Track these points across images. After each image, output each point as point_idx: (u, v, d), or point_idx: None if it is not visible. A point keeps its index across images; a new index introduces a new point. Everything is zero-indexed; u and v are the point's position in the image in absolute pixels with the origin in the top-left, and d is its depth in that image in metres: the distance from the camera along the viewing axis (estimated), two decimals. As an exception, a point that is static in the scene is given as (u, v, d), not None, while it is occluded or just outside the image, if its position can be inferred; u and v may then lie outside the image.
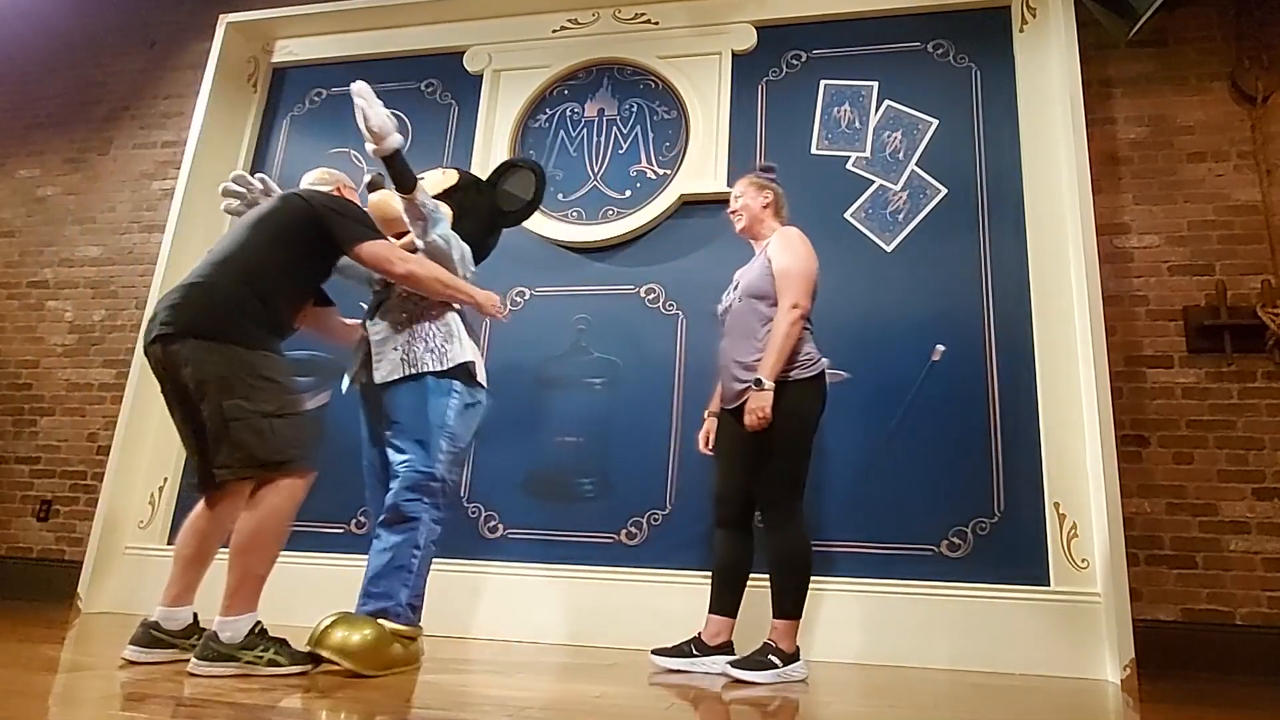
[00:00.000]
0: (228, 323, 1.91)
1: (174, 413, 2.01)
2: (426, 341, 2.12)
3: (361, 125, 2.08)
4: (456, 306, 2.24)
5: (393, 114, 2.18)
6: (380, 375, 2.12)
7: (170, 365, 1.92)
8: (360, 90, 2.09)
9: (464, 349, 2.16)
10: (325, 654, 1.86)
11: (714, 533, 2.38)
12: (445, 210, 2.24)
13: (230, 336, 1.90)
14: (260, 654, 1.81)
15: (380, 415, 2.16)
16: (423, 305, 2.20)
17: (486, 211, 2.41)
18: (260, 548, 1.86)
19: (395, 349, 2.13)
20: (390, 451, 2.10)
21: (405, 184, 2.11)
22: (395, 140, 2.10)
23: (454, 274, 2.18)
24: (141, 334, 1.99)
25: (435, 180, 2.36)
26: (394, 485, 2.06)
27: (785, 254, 2.32)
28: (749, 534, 2.34)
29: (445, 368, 2.11)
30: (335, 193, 2.23)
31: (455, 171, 2.43)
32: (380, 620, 1.94)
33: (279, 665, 1.81)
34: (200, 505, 2.03)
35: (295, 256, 2.06)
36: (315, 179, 2.33)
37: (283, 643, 1.86)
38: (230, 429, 1.84)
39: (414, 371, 2.10)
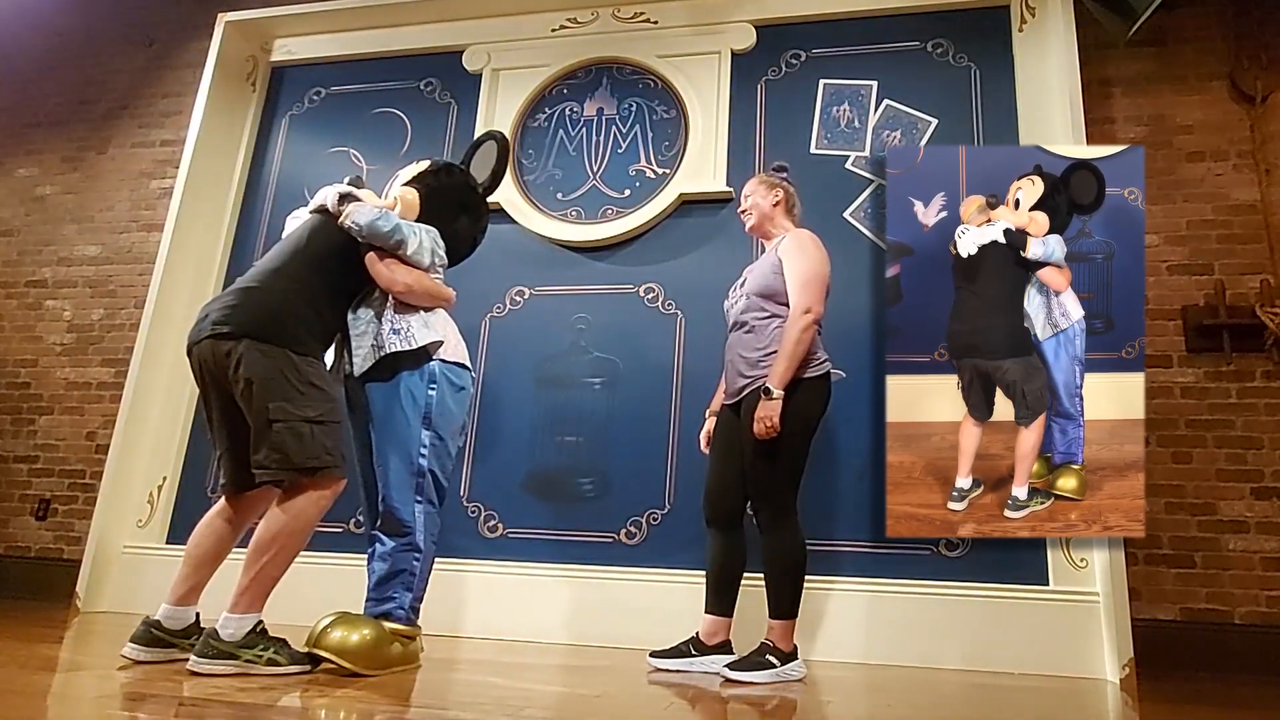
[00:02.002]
0: (281, 327, 1.95)
1: (211, 412, 2.04)
2: (392, 324, 2.09)
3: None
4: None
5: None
6: (357, 367, 2.08)
7: (218, 364, 1.94)
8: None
9: (432, 330, 2.12)
10: (324, 654, 1.86)
11: (705, 533, 2.38)
12: (372, 199, 2.22)
13: (283, 340, 1.93)
14: (260, 653, 1.81)
15: (363, 412, 2.14)
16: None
17: (457, 190, 2.35)
18: (280, 549, 1.87)
19: (369, 338, 2.10)
20: (375, 450, 2.09)
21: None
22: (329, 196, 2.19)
23: (413, 255, 2.11)
24: (188, 333, 2.02)
25: (409, 169, 2.36)
26: (382, 489, 2.05)
27: (798, 257, 2.30)
28: (740, 533, 2.34)
29: (412, 347, 2.06)
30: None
31: (429, 160, 2.40)
32: (380, 620, 1.95)
33: (278, 665, 1.81)
34: (219, 506, 2.05)
35: (344, 269, 2.10)
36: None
37: (282, 642, 1.86)
38: (272, 430, 1.87)
39: (383, 355, 2.06)
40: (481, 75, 3.63)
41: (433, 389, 2.09)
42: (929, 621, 2.62)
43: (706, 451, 2.50)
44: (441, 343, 2.13)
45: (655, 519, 2.94)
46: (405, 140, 3.66)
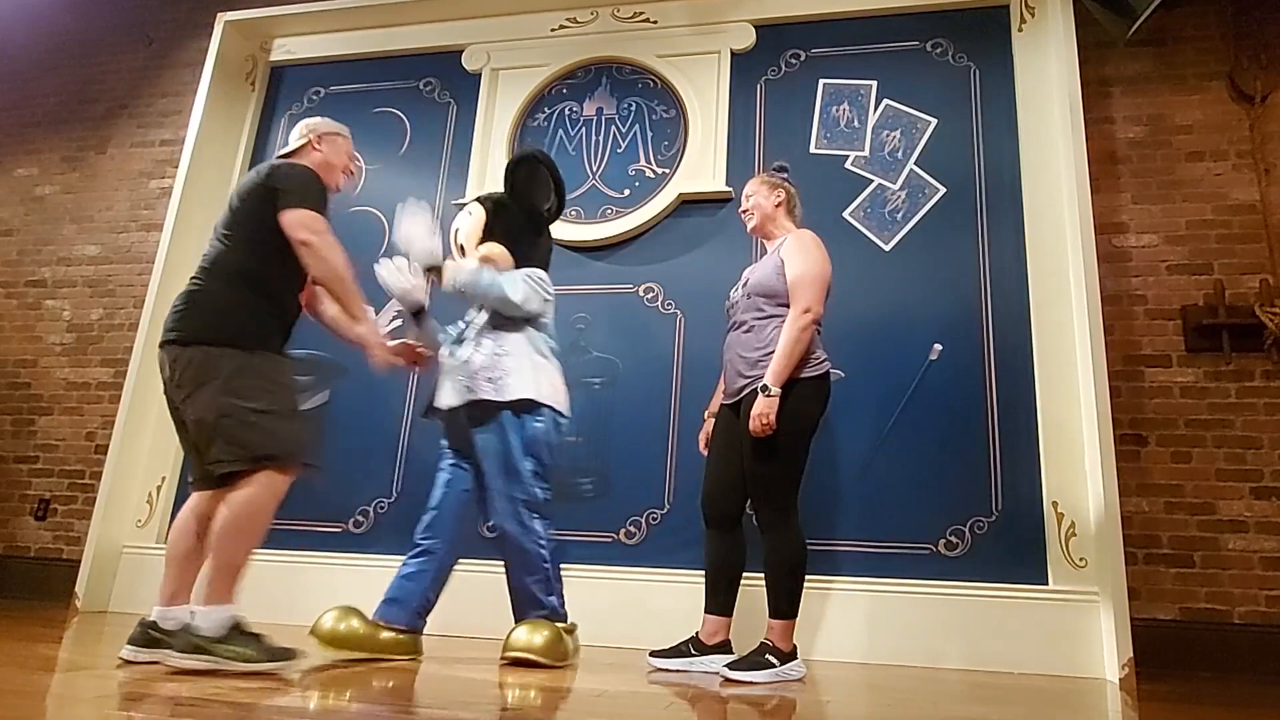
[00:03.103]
0: (225, 326, 1.95)
1: (174, 413, 2.05)
2: (489, 371, 2.24)
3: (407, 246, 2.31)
4: (540, 340, 2.36)
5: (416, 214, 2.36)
6: (443, 400, 2.28)
7: (170, 370, 1.97)
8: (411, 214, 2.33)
9: (524, 383, 2.24)
10: (516, 655, 2.09)
11: (704, 533, 2.38)
12: (472, 263, 2.34)
13: (230, 340, 1.94)
14: (236, 649, 1.80)
15: (461, 438, 2.32)
16: (498, 335, 2.29)
17: (524, 218, 2.45)
18: (236, 536, 1.87)
19: (461, 377, 2.27)
20: (486, 475, 2.25)
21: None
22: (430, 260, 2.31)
23: (524, 306, 2.27)
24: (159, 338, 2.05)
25: (468, 226, 2.41)
26: (498, 508, 2.22)
27: (799, 258, 2.31)
28: (740, 533, 2.35)
29: (502, 399, 2.22)
30: (309, 145, 2.22)
31: (478, 205, 2.45)
32: (547, 620, 2.19)
33: (253, 661, 1.80)
34: (190, 503, 2.06)
35: (273, 238, 2.01)
36: (294, 135, 2.29)
37: (258, 638, 1.84)
38: (221, 425, 1.88)
39: (471, 399, 2.23)
40: (481, 75, 3.63)
41: (540, 423, 2.25)
42: (928, 621, 2.62)
43: (705, 452, 2.50)
44: (533, 399, 2.24)
45: (655, 519, 2.94)
46: (404, 140, 3.66)
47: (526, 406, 2.24)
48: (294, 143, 2.26)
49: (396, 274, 2.27)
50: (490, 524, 2.28)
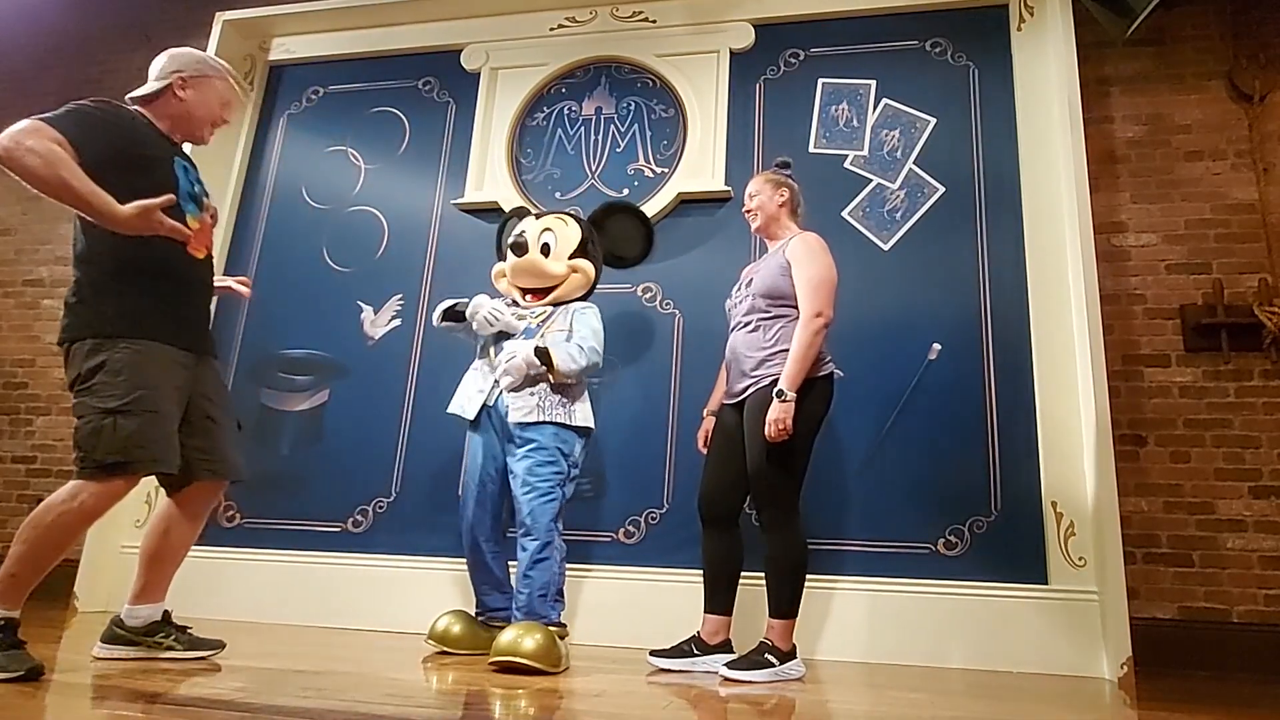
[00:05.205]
0: (84, 321, 1.85)
1: None
2: (561, 395, 2.44)
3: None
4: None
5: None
6: (516, 416, 2.39)
7: None
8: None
9: (586, 411, 2.50)
10: (506, 659, 2.03)
11: (702, 533, 2.38)
12: (572, 346, 2.50)
13: (94, 332, 1.83)
14: None
15: (502, 439, 2.45)
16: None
17: (603, 253, 2.78)
18: (23, 541, 1.74)
19: (533, 395, 2.42)
20: (518, 475, 2.35)
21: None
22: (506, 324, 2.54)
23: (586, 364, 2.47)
24: None
25: (567, 234, 2.63)
26: (530, 507, 2.30)
27: (808, 261, 2.31)
28: (737, 531, 2.35)
29: (571, 424, 2.42)
30: (170, 91, 2.00)
31: (574, 221, 2.68)
32: (541, 624, 2.18)
33: None
34: (160, 503, 2.07)
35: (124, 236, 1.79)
36: (153, 70, 2.03)
37: (14, 646, 1.71)
38: (77, 427, 1.80)
39: (545, 419, 2.39)
40: (480, 74, 3.62)
41: (582, 441, 2.48)
42: (928, 621, 2.62)
43: (704, 451, 2.50)
44: (591, 429, 2.50)
45: (654, 518, 2.94)
46: (403, 140, 3.65)
47: (581, 431, 2.46)
48: (151, 85, 1.97)
49: (501, 315, 2.53)
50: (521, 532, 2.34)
